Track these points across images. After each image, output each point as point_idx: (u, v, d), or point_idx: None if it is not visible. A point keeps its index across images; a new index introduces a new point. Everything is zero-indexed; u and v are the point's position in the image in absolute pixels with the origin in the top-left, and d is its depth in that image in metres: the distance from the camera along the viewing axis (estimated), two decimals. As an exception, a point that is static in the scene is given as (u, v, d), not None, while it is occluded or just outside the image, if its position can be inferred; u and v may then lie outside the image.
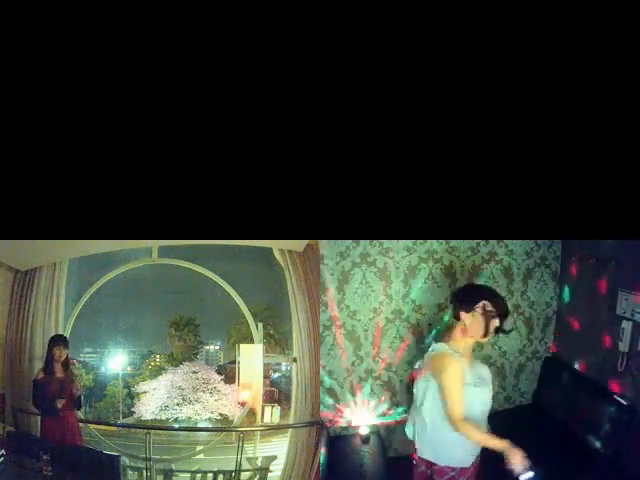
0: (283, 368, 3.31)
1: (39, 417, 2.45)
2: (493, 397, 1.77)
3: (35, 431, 2.50)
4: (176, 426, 3.10)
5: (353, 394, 2.81)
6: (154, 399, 3.14)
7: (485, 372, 1.77)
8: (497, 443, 1.61)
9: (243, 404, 3.05)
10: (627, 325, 2.28)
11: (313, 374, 2.72)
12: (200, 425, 3.13)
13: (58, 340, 2.49)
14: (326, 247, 2.67)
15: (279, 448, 2.78)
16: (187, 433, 3.10)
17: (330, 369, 2.77)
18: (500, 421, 1.98)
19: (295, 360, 2.84)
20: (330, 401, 2.78)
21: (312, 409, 2.68)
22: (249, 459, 2.57)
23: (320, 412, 2.67)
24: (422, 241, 2.75)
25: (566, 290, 2.79)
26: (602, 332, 2.50)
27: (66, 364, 2.46)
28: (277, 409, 3.09)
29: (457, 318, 1.74)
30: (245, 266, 3.12)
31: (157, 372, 3.28)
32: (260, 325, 3.08)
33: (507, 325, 1.77)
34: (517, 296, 2.94)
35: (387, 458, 2.55)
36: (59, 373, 2.43)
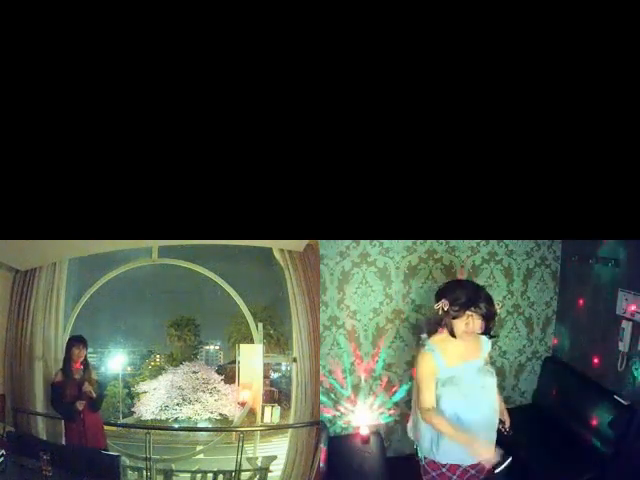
0: (283, 368, 3.30)
1: (38, 417, 2.45)
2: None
3: (35, 431, 2.49)
4: (176, 426, 3.09)
5: (353, 394, 2.81)
6: (154, 399, 3.14)
7: (468, 375, 1.71)
8: (464, 438, 1.61)
9: (243, 404, 3.04)
10: (627, 325, 2.28)
11: (313, 374, 2.72)
12: (200, 425, 3.12)
13: (77, 340, 2.48)
14: (326, 247, 2.66)
15: (279, 448, 2.77)
16: (187, 433, 3.09)
17: (330, 369, 2.77)
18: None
19: (295, 360, 2.83)
20: (330, 401, 2.78)
21: (312, 409, 2.67)
22: (249, 459, 2.57)
23: (320, 412, 2.67)
24: (422, 241, 2.75)
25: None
26: (602, 332, 2.50)
27: (85, 364, 2.46)
28: (277, 409, 3.08)
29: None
30: (245, 266, 3.11)
31: (157, 372, 3.27)
32: (260, 325, 3.07)
33: (492, 330, 1.73)
34: (517, 296, 2.94)
35: (387, 458, 2.55)
36: (78, 374, 2.41)
